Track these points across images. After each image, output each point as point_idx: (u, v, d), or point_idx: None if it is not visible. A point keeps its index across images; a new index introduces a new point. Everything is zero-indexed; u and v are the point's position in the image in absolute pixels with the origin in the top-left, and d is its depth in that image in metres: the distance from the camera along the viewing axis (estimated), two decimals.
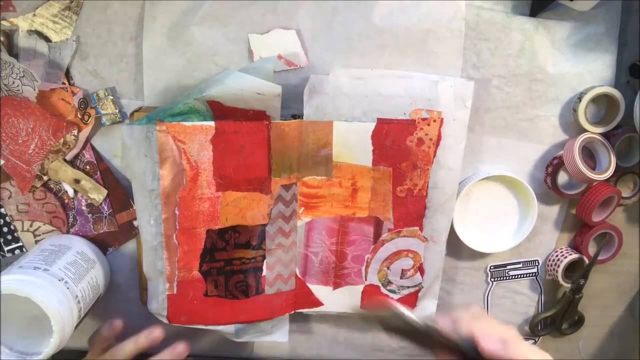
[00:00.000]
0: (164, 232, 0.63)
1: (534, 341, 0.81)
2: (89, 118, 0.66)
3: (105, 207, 0.70)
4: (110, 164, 0.69)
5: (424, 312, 0.73)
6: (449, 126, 0.64)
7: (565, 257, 0.73)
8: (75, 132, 0.66)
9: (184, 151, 0.61)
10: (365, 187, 0.66)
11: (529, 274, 0.77)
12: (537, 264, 0.76)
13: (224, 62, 0.65)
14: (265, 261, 0.68)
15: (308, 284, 0.71)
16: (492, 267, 0.76)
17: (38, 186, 0.68)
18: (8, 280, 0.56)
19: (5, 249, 0.70)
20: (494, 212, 0.72)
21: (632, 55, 0.67)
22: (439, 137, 0.64)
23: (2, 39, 0.62)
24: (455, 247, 0.73)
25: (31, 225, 0.70)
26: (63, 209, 0.69)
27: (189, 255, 0.65)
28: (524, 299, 0.78)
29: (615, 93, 0.66)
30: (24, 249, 0.70)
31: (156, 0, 0.62)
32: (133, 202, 0.68)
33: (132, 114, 0.66)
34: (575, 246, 0.76)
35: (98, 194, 0.69)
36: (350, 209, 0.68)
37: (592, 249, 0.74)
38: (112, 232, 0.71)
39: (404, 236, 0.68)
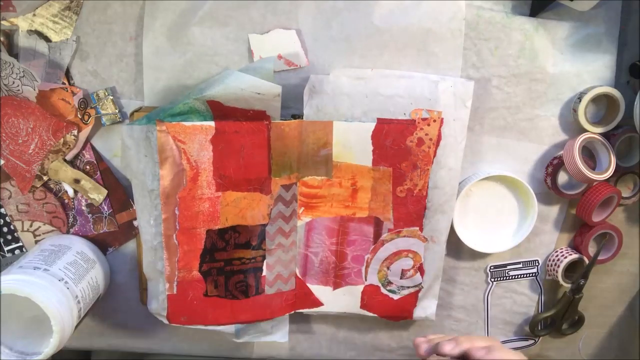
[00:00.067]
0: (164, 232, 0.63)
1: (533, 341, 0.81)
2: (89, 118, 0.66)
3: (105, 207, 0.70)
4: (110, 164, 0.69)
5: (424, 312, 0.73)
6: (449, 126, 0.64)
7: (565, 257, 0.73)
8: (75, 132, 0.66)
9: (184, 151, 0.61)
10: (365, 187, 0.66)
11: (529, 274, 0.77)
12: (537, 264, 0.76)
13: (224, 62, 0.65)
14: (265, 261, 0.68)
15: (308, 284, 0.71)
16: (492, 267, 0.76)
17: (38, 186, 0.68)
18: (8, 280, 0.56)
19: (5, 249, 0.70)
20: (494, 212, 0.72)
21: (632, 55, 0.67)
22: (439, 137, 0.64)
23: (2, 39, 0.62)
24: (455, 247, 0.73)
25: (31, 225, 0.70)
26: (63, 209, 0.69)
27: (189, 255, 0.65)
28: (524, 299, 0.78)
29: (615, 93, 0.66)
30: (24, 249, 0.70)
31: (156, 0, 0.62)
32: (133, 202, 0.68)
33: (132, 114, 0.66)
34: (575, 246, 0.76)
35: (98, 194, 0.69)
36: (350, 209, 0.68)
37: (592, 249, 0.74)
38: (112, 232, 0.71)
39: (404, 236, 0.68)
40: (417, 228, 0.68)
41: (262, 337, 0.72)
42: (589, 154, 0.71)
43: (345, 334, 0.79)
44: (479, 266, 0.76)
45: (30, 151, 0.66)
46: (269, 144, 0.63)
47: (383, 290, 0.71)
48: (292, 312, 0.72)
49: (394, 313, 0.73)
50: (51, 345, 0.56)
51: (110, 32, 0.64)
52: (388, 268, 0.70)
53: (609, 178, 0.67)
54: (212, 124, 0.61)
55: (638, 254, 0.77)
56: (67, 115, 0.65)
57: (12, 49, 0.63)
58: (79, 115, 0.65)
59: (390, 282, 0.71)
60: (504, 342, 0.80)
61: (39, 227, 0.70)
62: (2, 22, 0.62)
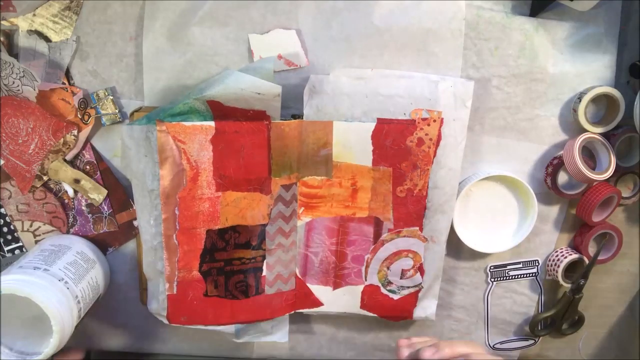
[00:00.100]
0: (164, 232, 0.63)
1: (533, 341, 0.81)
2: (89, 118, 0.66)
3: (105, 207, 0.70)
4: (110, 164, 0.69)
5: (424, 312, 0.73)
6: (449, 126, 0.64)
7: (565, 257, 0.73)
8: (75, 132, 0.66)
9: (184, 151, 0.61)
10: (365, 187, 0.66)
11: (529, 274, 0.77)
12: (537, 264, 0.76)
13: (224, 62, 0.65)
14: (265, 261, 0.68)
15: (308, 284, 0.71)
16: (492, 267, 0.76)
17: (38, 186, 0.68)
18: (8, 280, 0.56)
19: (5, 249, 0.70)
20: (494, 212, 0.72)
21: (632, 55, 0.67)
22: (439, 137, 0.64)
23: (2, 39, 0.62)
24: (455, 247, 0.73)
25: (31, 225, 0.70)
26: (63, 209, 0.69)
27: (189, 255, 0.65)
28: (524, 299, 0.78)
29: (615, 93, 0.66)
30: (23, 249, 0.70)
31: (156, 0, 0.62)
32: (133, 202, 0.68)
33: (132, 114, 0.66)
34: (575, 246, 0.76)
35: (98, 194, 0.69)
36: (350, 209, 0.68)
37: (592, 249, 0.74)
38: (112, 232, 0.71)
39: (404, 236, 0.68)
40: (417, 228, 0.68)
41: (262, 337, 0.72)
42: (589, 154, 0.71)
43: (345, 334, 0.79)
44: (479, 266, 0.76)
45: (30, 151, 0.66)
46: (269, 144, 0.63)
47: (383, 290, 0.71)
48: (292, 312, 0.72)
49: (394, 313, 0.73)
50: (51, 345, 0.56)
51: (110, 32, 0.64)
52: (388, 268, 0.70)
53: (609, 178, 0.67)
54: (212, 124, 0.61)
55: (638, 254, 0.77)
56: (67, 115, 0.65)
57: (12, 49, 0.63)
58: (78, 115, 0.65)
59: (390, 282, 0.71)
60: (504, 342, 0.80)
61: (39, 227, 0.70)
62: (2, 22, 0.62)
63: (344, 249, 0.69)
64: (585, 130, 0.67)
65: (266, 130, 0.63)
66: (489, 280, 0.76)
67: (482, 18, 0.64)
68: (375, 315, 0.73)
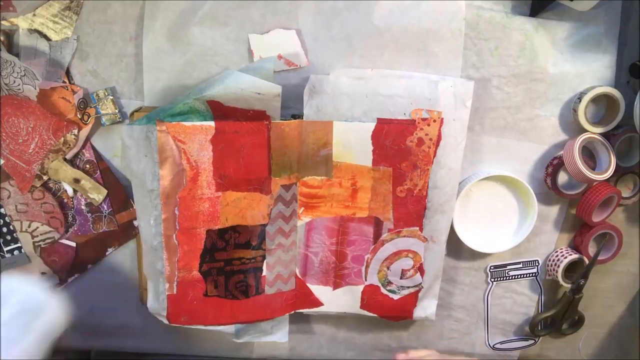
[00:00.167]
0: (164, 232, 0.63)
1: (533, 341, 0.81)
2: (88, 118, 0.66)
3: (105, 207, 0.70)
4: (110, 164, 0.69)
5: (424, 312, 0.73)
6: (449, 126, 0.64)
7: (565, 257, 0.73)
8: (76, 131, 0.66)
9: (184, 151, 0.61)
10: (365, 187, 0.66)
11: (529, 274, 0.77)
12: (537, 264, 0.76)
13: (224, 62, 0.65)
14: (265, 261, 0.68)
15: (308, 284, 0.71)
16: (492, 267, 0.75)
17: (38, 186, 0.68)
18: None
19: (5, 249, 0.70)
20: (494, 212, 0.72)
21: (632, 55, 0.67)
22: (439, 137, 0.64)
23: (2, 38, 0.62)
24: (455, 247, 0.73)
25: (29, 226, 0.69)
26: (61, 209, 0.69)
27: (188, 255, 0.65)
28: (524, 299, 0.78)
29: (615, 93, 0.66)
30: (22, 250, 0.70)
31: (156, 0, 0.62)
32: (133, 201, 0.68)
33: (132, 114, 0.66)
34: (575, 246, 0.76)
35: (98, 194, 0.68)
36: (350, 209, 0.68)
37: (592, 249, 0.74)
38: (112, 232, 0.71)
39: (404, 236, 0.68)
40: (417, 228, 0.68)
41: (262, 337, 0.72)
42: (589, 154, 0.71)
43: (345, 334, 0.79)
44: (479, 266, 0.76)
45: (30, 151, 0.66)
46: (269, 144, 0.63)
47: (383, 290, 0.71)
48: (292, 312, 0.72)
49: (394, 313, 0.73)
50: None
51: (110, 32, 0.64)
52: (388, 268, 0.70)
53: (609, 178, 0.67)
54: (212, 124, 0.61)
55: (638, 254, 0.77)
56: (68, 113, 0.65)
57: (12, 49, 0.63)
58: (78, 115, 0.65)
59: (390, 282, 0.71)
60: (504, 342, 0.80)
61: (37, 227, 0.70)
62: (2, 22, 0.62)
63: (344, 249, 0.69)
64: (585, 130, 0.67)
65: (266, 130, 0.63)
66: (489, 280, 0.76)
67: (482, 18, 0.64)
68: (375, 315, 0.73)
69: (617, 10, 0.65)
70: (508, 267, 0.76)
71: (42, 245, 0.70)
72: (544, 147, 0.70)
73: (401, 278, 0.70)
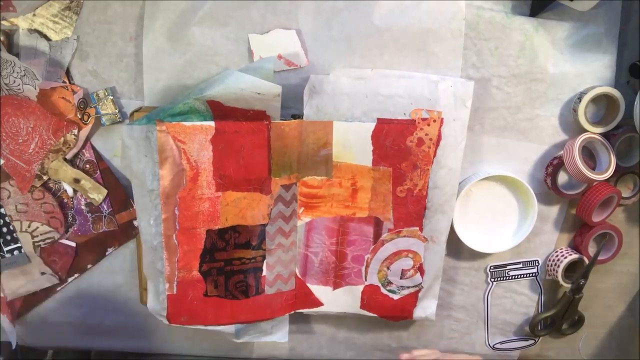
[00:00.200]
0: (164, 232, 0.63)
1: (533, 341, 0.81)
2: (88, 118, 0.66)
3: (105, 207, 0.70)
4: (110, 164, 0.69)
5: (424, 312, 0.73)
6: (449, 126, 0.64)
7: (565, 257, 0.73)
8: (76, 131, 0.66)
9: (184, 151, 0.61)
10: (365, 187, 0.66)
11: (529, 274, 0.77)
12: (537, 264, 0.76)
13: (224, 62, 0.65)
14: (265, 261, 0.68)
15: (308, 284, 0.71)
16: (492, 267, 0.75)
17: (38, 186, 0.68)
18: None
19: (5, 249, 0.70)
20: (494, 212, 0.72)
21: (632, 55, 0.67)
22: (439, 137, 0.64)
23: (2, 38, 0.62)
24: (455, 247, 0.73)
25: (29, 226, 0.69)
26: (61, 209, 0.69)
27: (188, 255, 0.65)
28: (524, 299, 0.78)
29: (615, 93, 0.66)
30: (22, 250, 0.70)
31: (156, 0, 0.62)
32: (133, 201, 0.68)
33: (132, 114, 0.66)
34: (575, 246, 0.76)
35: (98, 194, 0.68)
36: (350, 209, 0.68)
37: (592, 249, 0.74)
38: (112, 232, 0.71)
39: (404, 236, 0.68)
40: (417, 228, 0.68)
41: (262, 337, 0.72)
42: (589, 154, 0.71)
43: (345, 334, 0.79)
44: (479, 266, 0.76)
45: (30, 151, 0.66)
46: (269, 144, 0.63)
47: (383, 290, 0.71)
48: (292, 312, 0.72)
49: (394, 313, 0.73)
50: None
51: (110, 32, 0.64)
52: (388, 268, 0.70)
53: (609, 178, 0.67)
54: (212, 124, 0.61)
55: (638, 254, 0.77)
56: (68, 113, 0.65)
57: (12, 49, 0.63)
58: (78, 115, 0.65)
59: (390, 282, 0.71)
60: (504, 342, 0.80)
61: (37, 227, 0.70)
62: (2, 22, 0.62)
63: (344, 249, 0.69)
64: (585, 130, 0.67)
65: (266, 130, 0.63)
66: (489, 280, 0.76)
67: (482, 18, 0.64)
68: (375, 315, 0.73)
69: (617, 10, 0.65)
70: (508, 267, 0.76)
71: (42, 245, 0.70)
72: (544, 147, 0.70)
73: (401, 278, 0.70)
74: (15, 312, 0.73)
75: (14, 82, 0.62)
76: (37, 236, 0.70)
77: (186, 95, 0.62)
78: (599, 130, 0.67)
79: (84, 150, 0.67)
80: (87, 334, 0.76)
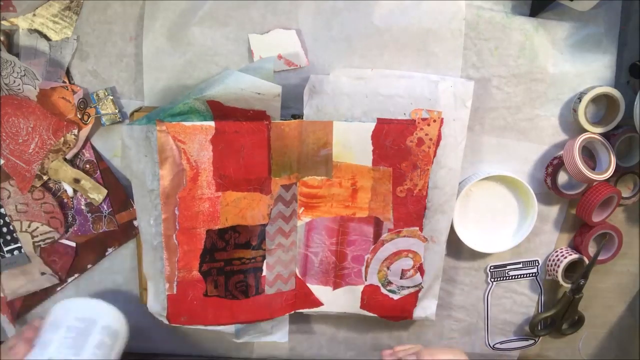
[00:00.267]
0: (164, 232, 0.63)
1: (533, 341, 0.81)
2: (88, 118, 0.66)
3: (105, 207, 0.70)
4: (110, 164, 0.69)
5: (424, 312, 0.73)
6: (449, 126, 0.64)
7: (565, 257, 0.73)
8: (76, 131, 0.66)
9: (184, 151, 0.61)
10: (365, 187, 0.66)
11: (529, 274, 0.77)
12: (537, 264, 0.76)
13: (224, 62, 0.65)
14: (265, 261, 0.68)
15: (308, 284, 0.71)
16: (492, 267, 0.75)
17: (38, 186, 0.68)
18: None
19: (5, 249, 0.70)
20: (494, 212, 0.72)
21: (632, 55, 0.67)
22: (439, 137, 0.64)
23: (2, 38, 0.62)
24: (455, 247, 0.73)
25: (29, 226, 0.69)
26: (61, 209, 0.69)
27: (189, 255, 0.65)
28: (524, 299, 0.78)
29: (615, 93, 0.66)
30: (22, 250, 0.70)
31: (156, 0, 0.62)
32: (133, 201, 0.68)
33: (132, 114, 0.66)
34: (575, 246, 0.76)
35: (98, 194, 0.68)
36: (350, 209, 0.68)
37: (592, 249, 0.74)
38: (112, 232, 0.71)
39: (404, 236, 0.68)
40: (417, 228, 0.68)
41: (262, 337, 0.72)
42: (589, 154, 0.71)
43: (345, 334, 0.79)
44: (479, 266, 0.76)
45: (30, 151, 0.66)
46: (269, 144, 0.63)
47: (383, 290, 0.71)
48: (292, 312, 0.72)
49: (394, 313, 0.73)
50: None
51: (110, 32, 0.64)
52: (388, 268, 0.70)
53: (609, 178, 0.67)
54: (212, 124, 0.61)
55: (638, 254, 0.77)
56: (68, 113, 0.65)
57: (12, 49, 0.63)
58: (78, 115, 0.65)
59: (390, 282, 0.71)
60: (504, 342, 0.80)
61: (37, 227, 0.70)
62: (2, 22, 0.62)
63: (344, 249, 0.69)
64: (585, 130, 0.67)
65: (266, 130, 0.63)
66: (489, 280, 0.76)
67: (482, 18, 0.64)
68: (375, 315, 0.73)
69: (617, 10, 0.65)
70: (508, 267, 0.76)
71: (42, 245, 0.70)
72: (544, 147, 0.70)
73: (401, 278, 0.70)
74: (15, 312, 0.73)
75: (14, 82, 0.62)
76: (37, 236, 0.70)
77: (186, 95, 0.62)
78: (599, 130, 0.67)
79: (84, 150, 0.67)
80: None
